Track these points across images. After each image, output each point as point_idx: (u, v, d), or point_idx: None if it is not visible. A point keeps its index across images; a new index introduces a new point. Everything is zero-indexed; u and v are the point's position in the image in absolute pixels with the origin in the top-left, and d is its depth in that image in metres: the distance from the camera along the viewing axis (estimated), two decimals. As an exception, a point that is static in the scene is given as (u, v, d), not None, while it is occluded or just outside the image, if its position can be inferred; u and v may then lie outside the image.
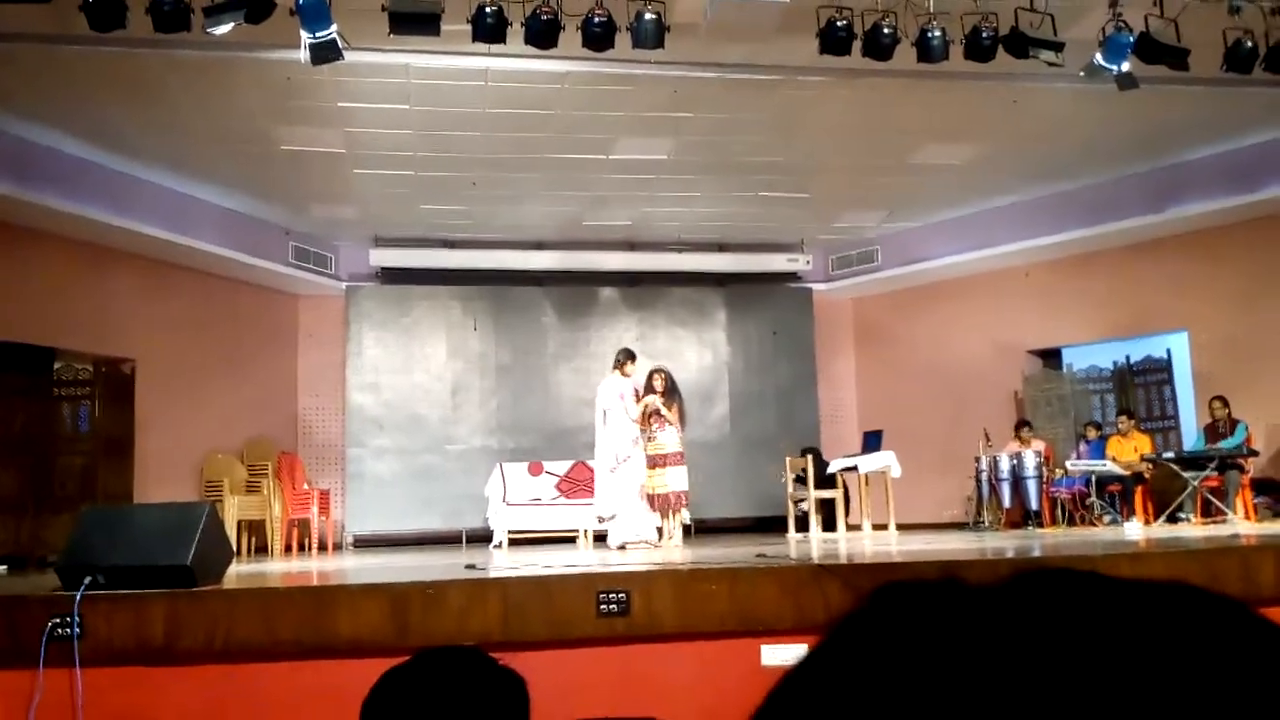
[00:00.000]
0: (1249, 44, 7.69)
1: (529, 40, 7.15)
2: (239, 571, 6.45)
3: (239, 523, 11.04)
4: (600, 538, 10.92)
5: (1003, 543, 8.24)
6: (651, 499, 9.35)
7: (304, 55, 7.06)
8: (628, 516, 9.16)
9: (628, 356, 9.76)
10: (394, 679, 1.55)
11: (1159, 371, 12.64)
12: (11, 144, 9.47)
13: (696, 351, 14.08)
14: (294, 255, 12.74)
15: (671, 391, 9.59)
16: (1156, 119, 10.02)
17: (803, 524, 11.32)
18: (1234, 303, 11.51)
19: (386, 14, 6.90)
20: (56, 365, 11.18)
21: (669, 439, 9.46)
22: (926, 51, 7.47)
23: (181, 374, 11.58)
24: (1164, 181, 11.46)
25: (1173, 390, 12.51)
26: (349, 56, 7.28)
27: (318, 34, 6.91)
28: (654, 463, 9.39)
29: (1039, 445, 11.78)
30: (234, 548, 6.07)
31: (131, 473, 11.00)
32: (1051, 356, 13.56)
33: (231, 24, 6.76)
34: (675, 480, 9.36)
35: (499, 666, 1.57)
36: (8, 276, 9.85)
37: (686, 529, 10.41)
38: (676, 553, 8.16)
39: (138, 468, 11.05)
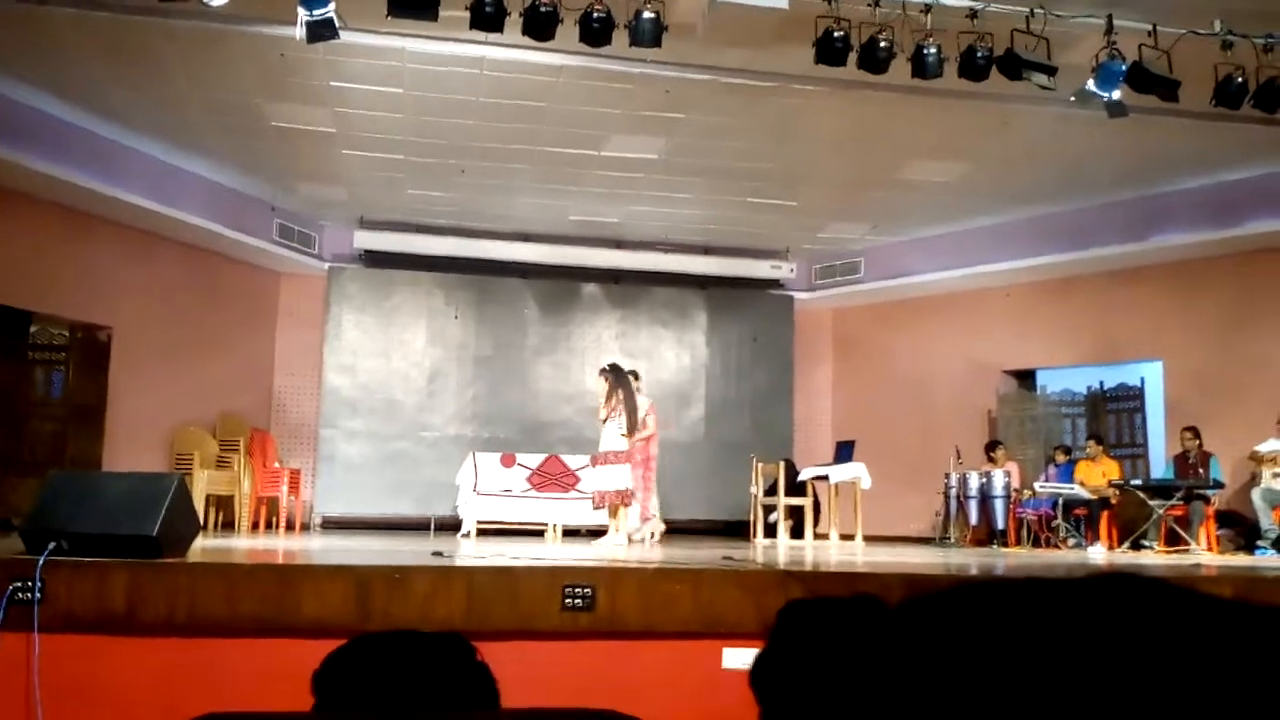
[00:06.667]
0: (1239, 80, 7.77)
1: (526, 31, 7.15)
2: (204, 546, 6.43)
3: (208, 497, 11.00)
4: (569, 532, 10.93)
5: (966, 559, 8.28)
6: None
7: (300, 32, 7.04)
8: None
9: None
10: (353, 651, 1.54)
11: (1131, 399, 12.72)
12: (-1, 103, 9.40)
13: (675, 352, 14.09)
14: (278, 232, 12.68)
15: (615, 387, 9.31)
16: (1143, 149, 10.10)
17: (771, 531, 11.35)
18: (1209, 335, 11.59)
19: (385, -4, 6.90)
20: (32, 329, 11.12)
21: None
22: (921, 67, 7.50)
23: (158, 344, 11.52)
24: (1147, 211, 11.53)
25: (1144, 418, 12.60)
26: (344, 36, 7.27)
27: (315, 11, 6.90)
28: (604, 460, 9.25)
29: (1011, 466, 11.85)
30: (201, 522, 6.05)
31: (102, 440, 10.93)
32: (1026, 378, 13.64)
33: (229, -4, 6.74)
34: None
35: (475, 659, 1.57)
36: (-12, 236, 9.78)
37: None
38: (643, 551, 8.16)
39: (108, 436, 10.98)
